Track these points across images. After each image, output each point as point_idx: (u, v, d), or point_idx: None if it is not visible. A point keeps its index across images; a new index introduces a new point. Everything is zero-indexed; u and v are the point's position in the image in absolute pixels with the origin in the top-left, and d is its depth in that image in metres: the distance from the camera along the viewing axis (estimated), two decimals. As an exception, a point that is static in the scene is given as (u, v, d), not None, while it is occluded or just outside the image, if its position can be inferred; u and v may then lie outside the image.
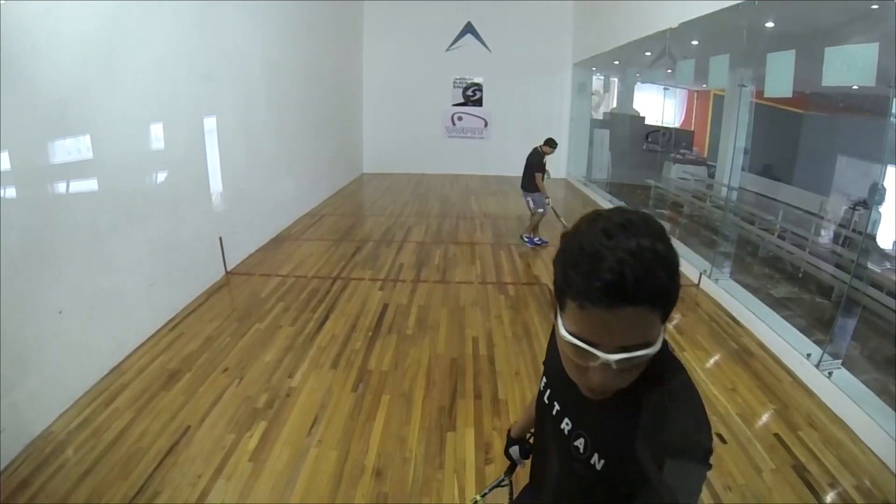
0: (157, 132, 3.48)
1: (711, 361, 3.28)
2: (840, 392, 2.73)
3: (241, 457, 2.27)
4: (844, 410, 2.68)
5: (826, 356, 2.98)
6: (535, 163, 5.58)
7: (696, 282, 4.62)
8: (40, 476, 2.13)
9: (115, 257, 3.03)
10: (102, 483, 2.09)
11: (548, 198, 5.59)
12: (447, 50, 10.47)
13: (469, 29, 10.36)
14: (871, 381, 2.94)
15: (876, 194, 4.17)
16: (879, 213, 4.55)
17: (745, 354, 3.35)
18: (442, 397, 2.77)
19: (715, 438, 2.41)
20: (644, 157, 9.76)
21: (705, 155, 10.91)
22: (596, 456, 0.74)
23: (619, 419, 0.71)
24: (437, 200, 8.24)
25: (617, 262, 0.56)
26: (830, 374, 2.88)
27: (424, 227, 6.46)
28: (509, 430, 1.29)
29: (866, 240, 4.29)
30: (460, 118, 10.86)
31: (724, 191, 6.81)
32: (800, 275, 5.23)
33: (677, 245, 5.21)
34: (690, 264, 4.80)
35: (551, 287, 0.67)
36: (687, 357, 3.27)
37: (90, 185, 2.84)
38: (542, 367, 0.99)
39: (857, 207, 5.68)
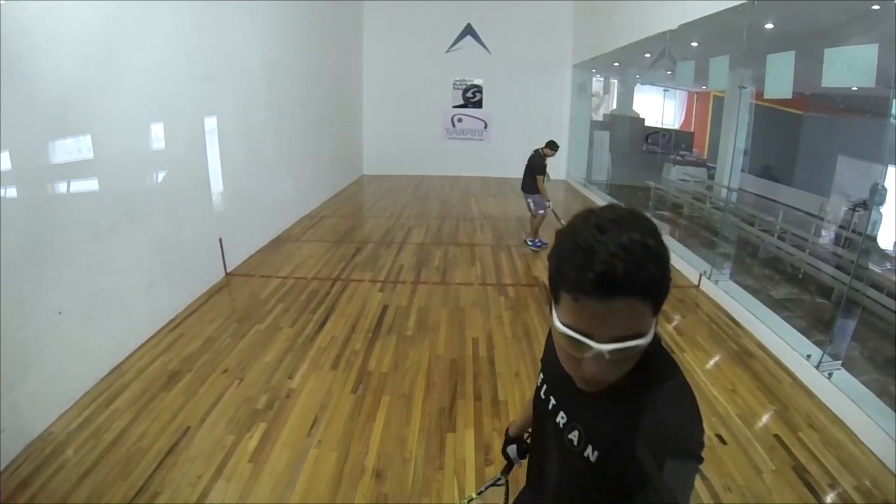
0: (157, 132, 3.48)
1: (711, 362, 3.28)
2: (840, 393, 2.73)
3: (240, 457, 2.27)
4: (844, 411, 2.68)
5: (826, 357, 2.98)
6: (536, 165, 5.58)
7: (696, 283, 4.62)
8: (40, 476, 2.12)
9: (115, 257, 3.03)
10: (102, 483, 2.09)
11: (548, 200, 5.60)
12: (447, 51, 10.48)
13: (469, 31, 10.37)
14: (871, 381, 2.94)
15: (876, 195, 4.18)
16: (880, 214, 4.56)
17: (745, 355, 3.34)
18: (442, 398, 2.77)
19: (713, 437, 2.43)
20: (644, 158, 9.75)
21: (705, 156, 10.91)
22: (590, 448, 0.75)
23: (613, 411, 0.73)
24: (437, 202, 8.23)
25: (609, 256, 0.59)
26: (830, 374, 2.88)
27: (424, 229, 6.46)
28: (507, 429, 1.29)
29: (866, 240, 4.29)
30: (460, 120, 10.86)
31: (723, 192, 6.81)
32: (800, 276, 5.23)
33: (677, 246, 5.18)
34: (690, 265, 4.79)
35: (546, 282, 0.69)
36: (687, 358, 3.27)
37: (90, 185, 2.84)
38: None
39: (857, 208, 5.69)
